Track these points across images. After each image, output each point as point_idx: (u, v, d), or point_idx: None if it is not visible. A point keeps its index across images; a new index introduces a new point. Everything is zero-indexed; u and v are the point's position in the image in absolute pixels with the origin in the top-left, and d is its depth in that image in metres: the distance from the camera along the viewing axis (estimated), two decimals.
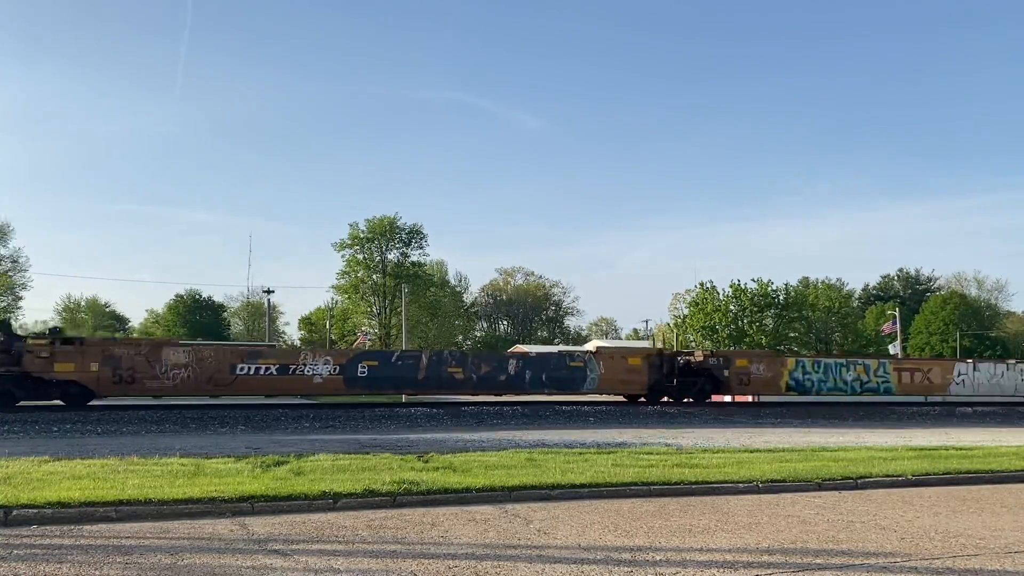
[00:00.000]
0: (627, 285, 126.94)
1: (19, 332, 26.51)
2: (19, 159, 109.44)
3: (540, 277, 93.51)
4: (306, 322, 76.29)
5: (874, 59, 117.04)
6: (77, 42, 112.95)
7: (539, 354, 26.61)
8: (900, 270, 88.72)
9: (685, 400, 25.59)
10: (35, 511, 7.32)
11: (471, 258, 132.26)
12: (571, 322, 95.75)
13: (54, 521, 7.25)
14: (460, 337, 70.58)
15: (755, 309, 52.67)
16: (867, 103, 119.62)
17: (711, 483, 9.70)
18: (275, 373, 22.00)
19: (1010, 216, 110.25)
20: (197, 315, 75.70)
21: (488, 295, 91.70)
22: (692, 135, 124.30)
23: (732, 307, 52.80)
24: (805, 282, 74.69)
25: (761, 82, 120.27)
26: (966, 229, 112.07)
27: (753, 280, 53.75)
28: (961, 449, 13.77)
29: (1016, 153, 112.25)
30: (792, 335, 56.45)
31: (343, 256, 59.86)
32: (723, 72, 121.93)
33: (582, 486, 9.21)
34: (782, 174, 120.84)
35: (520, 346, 62.36)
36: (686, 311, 56.43)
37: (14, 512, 7.26)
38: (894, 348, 50.39)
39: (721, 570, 5.91)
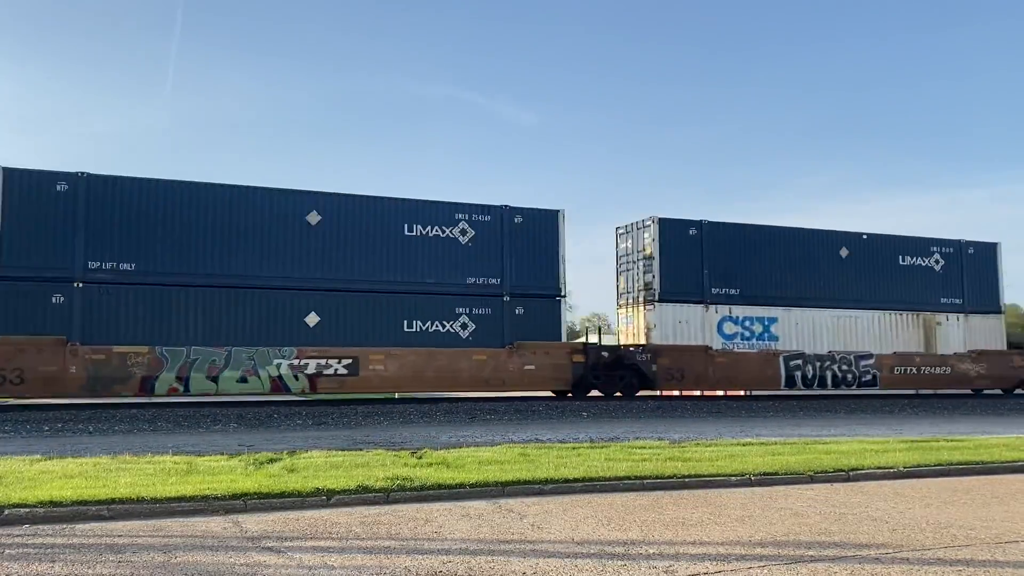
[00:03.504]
0: None
1: None
2: (13, 157, 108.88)
3: None
4: None
5: (868, 53, 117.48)
6: (69, 39, 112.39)
7: None
8: None
9: None
10: (27, 510, 7.30)
11: None
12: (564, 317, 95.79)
13: (46, 520, 7.23)
14: None
15: None
16: (860, 96, 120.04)
17: (704, 476, 9.74)
18: None
19: (1002, 210, 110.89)
20: None
21: None
22: (685, 130, 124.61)
23: None
24: None
25: (755, 77, 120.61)
26: (958, 222, 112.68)
27: None
28: (952, 440, 13.85)
29: (1010, 146, 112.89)
30: None
31: None
32: (717, 69, 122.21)
33: (575, 481, 9.23)
34: (775, 168, 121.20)
35: None
36: None
37: (6, 511, 7.24)
38: None
39: (714, 563, 5.93)
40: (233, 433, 15.09)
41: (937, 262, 28.49)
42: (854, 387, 26.63)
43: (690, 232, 25.45)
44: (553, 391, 24.53)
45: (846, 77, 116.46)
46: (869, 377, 26.74)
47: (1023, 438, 14.52)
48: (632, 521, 7.45)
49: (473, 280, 22.86)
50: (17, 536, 6.69)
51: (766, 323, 26.06)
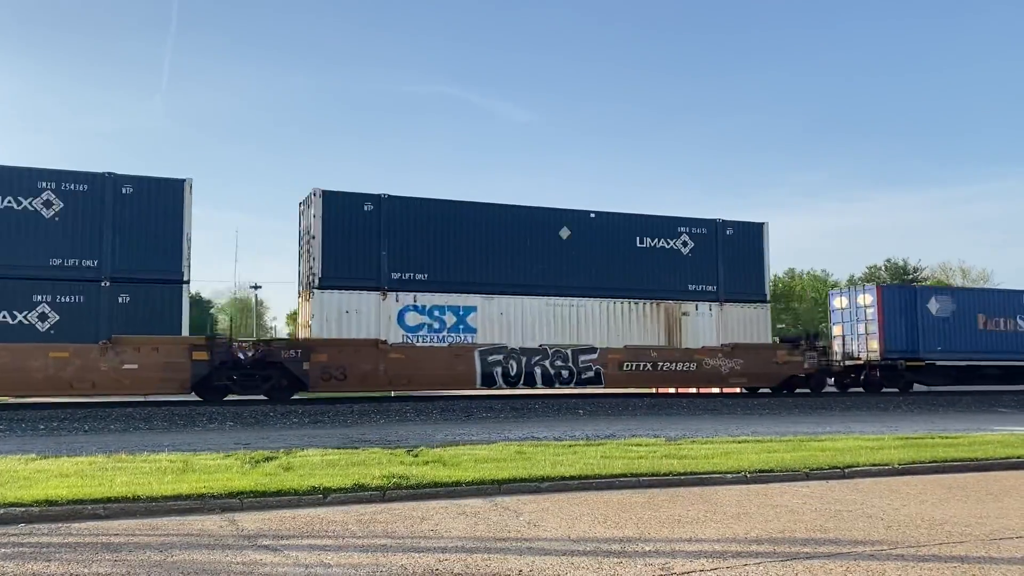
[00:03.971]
0: None
1: None
2: (9, 156, 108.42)
3: None
4: (293, 317, 76.13)
5: (863, 50, 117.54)
6: (64, 37, 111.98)
7: None
8: (887, 260, 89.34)
9: None
10: (22, 509, 7.28)
11: None
12: None
13: (42, 519, 7.22)
14: None
15: None
16: (856, 95, 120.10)
17: (700, 474, 9.75)
18: None
19: (995, 206, 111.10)
20: None
21: None
22: (682, 128, 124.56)
23: None
24: (791, 273, 75.10)
25: (751, 75, 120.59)
26: (952, 219, 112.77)
27: None
28: (947, 437, 13.90)
29: (1003, 143, 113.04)
30: (780, 327, 56.85)
31: None
32: (713, 66, 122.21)
33: (571, 478, 9.23)
34: (772, 166, 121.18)
35: None
36: None
37: (1, 511, 7.22)
38: None
39: (710, 560, 5.94)
40: (229, 431, 15.08)
41: (685, 244, 25.53)
42: (572, 385, 23.37)
43: (365, 208, 22.05)
44: (197, 394, 19.92)
45: (845, 73, 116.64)
46: (591, 374, 23.37)
47: (1017, 435, 14.59)
48: (628, 519, 7.46)
49: (59, 262, 19.19)
50: (13, 535, 6.68)
51: (461, 313, 22.76)
